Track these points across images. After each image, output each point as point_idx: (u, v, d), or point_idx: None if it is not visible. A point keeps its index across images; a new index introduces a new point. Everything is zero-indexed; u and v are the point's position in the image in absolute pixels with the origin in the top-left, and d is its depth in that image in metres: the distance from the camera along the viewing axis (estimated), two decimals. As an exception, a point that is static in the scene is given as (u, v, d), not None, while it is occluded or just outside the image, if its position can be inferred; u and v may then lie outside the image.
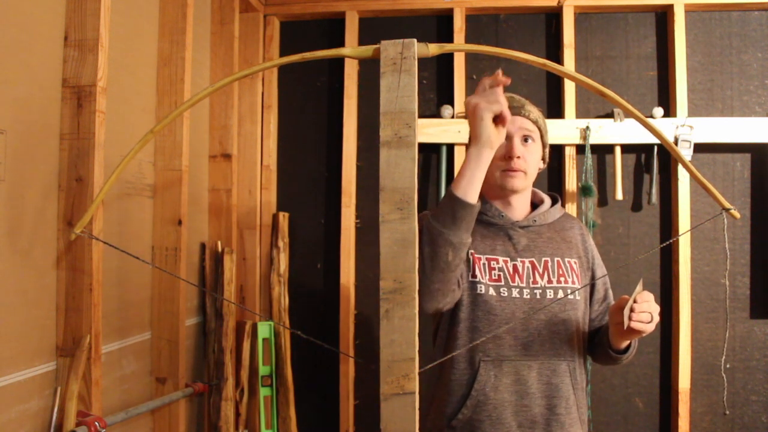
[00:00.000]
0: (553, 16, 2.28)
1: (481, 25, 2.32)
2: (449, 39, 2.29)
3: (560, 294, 1.28)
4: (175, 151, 1.74)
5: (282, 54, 2.39)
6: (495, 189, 1.34)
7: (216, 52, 2.13)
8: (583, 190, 2.15)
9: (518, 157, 1.28)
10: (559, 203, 1.42)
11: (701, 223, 1.93)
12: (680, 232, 2.12)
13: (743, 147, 2.16)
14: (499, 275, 1.29)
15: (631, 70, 2.25)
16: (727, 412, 2.14)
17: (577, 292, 1.30)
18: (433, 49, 0.89)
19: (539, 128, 1.34)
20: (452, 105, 2.25)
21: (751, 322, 2.16)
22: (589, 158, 2.16)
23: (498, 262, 1.30)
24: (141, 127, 1.62)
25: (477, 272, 1.28)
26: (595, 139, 2.15)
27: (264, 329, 2.20)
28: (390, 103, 0.84)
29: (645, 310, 1.12)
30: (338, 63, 2.34)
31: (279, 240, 2.30)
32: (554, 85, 2.26)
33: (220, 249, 2.08)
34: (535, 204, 1.40)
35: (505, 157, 1.29)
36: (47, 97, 1.29)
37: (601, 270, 1.39)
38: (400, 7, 2.30)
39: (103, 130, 1.34)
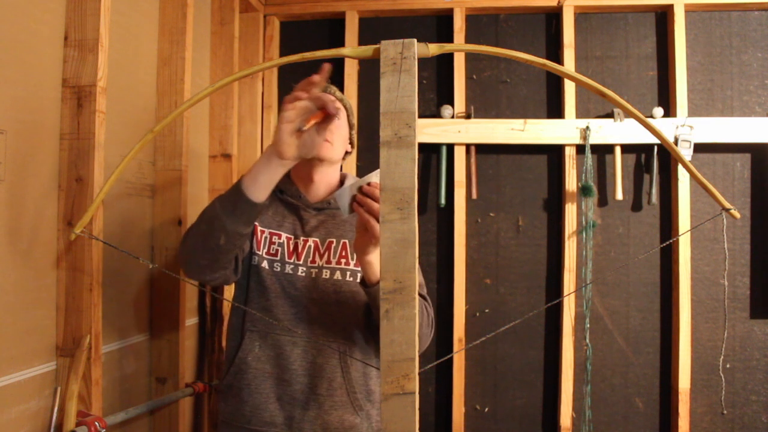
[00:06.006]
0: (553, 16, 2.28)
1: (481, 25, 2.32)
2: (449, 39, 2.29)
3: (337, 275, 1.29)
4: (175, 151, 1.74)
5: (282, 54, 2.39)
6: (301, 162, 1.35)
7: (216, 52, 2.13)
8: (583, 190, 2.16)
9: None
10: None
11: (701, 223, 1.92)
12: (680, 232, 2.12)
13: (743, 147, 2.16)
14: (277, 250, 1.33)
15: (631, 70, 2.25)
16: (725, 412, 2.14)
17: (358, 275, 1.28)
18: (433, 49, 0.89)
19: (345, 107, 1.36)
20: (452, 105, 2.25)
21: (751, 322, 2.16)
22: (589, 158, 2.16)
23: (280, 238, 1.34)
24: (141, 127, 1.62)
25: (255, 244, 1.34)
26: (595, 139, 2.15)
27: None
28: (390, 103, 0.84)
29: (373, 194, 1.09)
30: (338, 63, 2.33)
31: (279, 240, 2.29)
32: (554, 85, 2.26)
33: (220, 249, 2.07)
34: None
35: None
36: (47, 97, 1.29)
37: None
38: (400, 7, 2.30)
39: (103, 130, 1.34)
